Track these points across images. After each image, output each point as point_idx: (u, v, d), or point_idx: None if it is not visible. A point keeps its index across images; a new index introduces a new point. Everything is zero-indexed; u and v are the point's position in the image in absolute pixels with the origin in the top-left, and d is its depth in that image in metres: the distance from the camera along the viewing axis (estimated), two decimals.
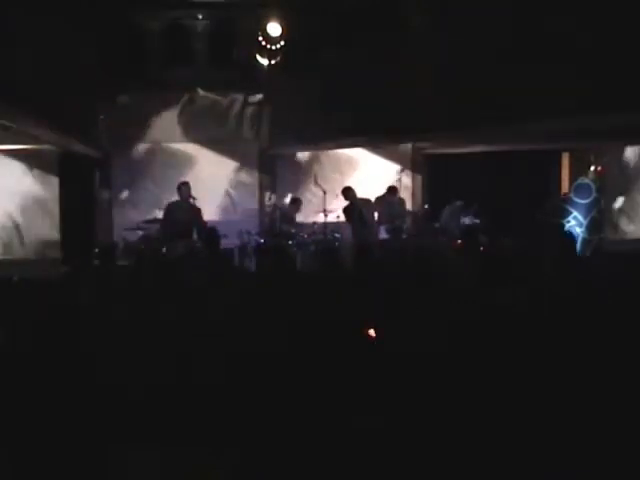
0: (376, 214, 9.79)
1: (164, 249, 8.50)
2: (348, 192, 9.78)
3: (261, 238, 9.96)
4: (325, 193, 10.07)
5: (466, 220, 9.98)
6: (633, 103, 6.11)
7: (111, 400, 2.95)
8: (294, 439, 2.74)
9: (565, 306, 3.76)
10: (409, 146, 11.28)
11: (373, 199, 9.94)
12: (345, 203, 9.71)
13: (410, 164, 11.36)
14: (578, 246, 6.56)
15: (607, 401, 2.88)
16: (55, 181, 10.50)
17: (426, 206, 10.74)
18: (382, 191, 10.26)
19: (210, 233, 7.62)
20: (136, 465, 2.66)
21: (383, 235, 9.95)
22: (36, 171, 10.44)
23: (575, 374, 3.05)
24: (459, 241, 9.59)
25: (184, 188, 9.17)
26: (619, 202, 11.41)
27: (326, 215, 9.90)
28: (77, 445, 2.73)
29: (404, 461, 2.64)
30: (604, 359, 3.13)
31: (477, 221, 9.91)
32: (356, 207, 9.55)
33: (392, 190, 10.19)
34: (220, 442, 2.76)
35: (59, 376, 3.11)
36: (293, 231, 9.95)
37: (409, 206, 10.85)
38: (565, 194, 11.36)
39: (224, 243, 7.72)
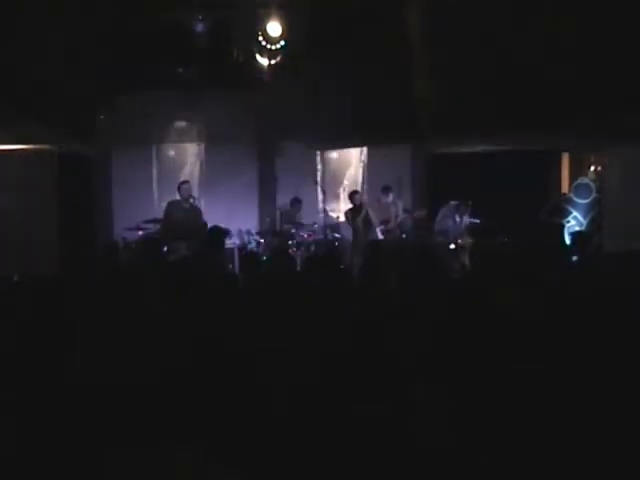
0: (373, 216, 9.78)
1: (165, 249, 8.33)
2: (355, 195, 9.77)
3: (261, 238, 9.96)
4: (325, 193, 10.06)
5: (463, 220, 9.93)
6: None
7: (110, 400, 2.95)
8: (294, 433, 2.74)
9: (565, 306, 3.76)
10: (409, 146, 11.26)
11: (368, 200, 9.90)
12: (346, 204, 9.73)
13: (410, 164, 11.33)
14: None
15: (607, 401, 2.88)
16: (54, 181, 10.46)
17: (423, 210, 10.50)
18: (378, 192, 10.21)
19: (213, 232, 7.28)
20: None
21: (379, 236, 9.87)
22: (35, 171, 10.40)
23: (575, 374, 3.04)
24: (459, 241, 9.62)
25: (185, 187, 9.05)
26: None
27: (326, 215, 9.89)
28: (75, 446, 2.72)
29: (406, 452, 2.64)
30: (604, 359, 3.13)
31: (477, 221, 9.89)
32: (363, 210, 9.54)
33: (385, 190, 9.96)
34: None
35: (58, 376, 3.11)
36: (293, 231, 9.94)
37: (409, 207, 10.78)
38: (565, 194, 11.35)
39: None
